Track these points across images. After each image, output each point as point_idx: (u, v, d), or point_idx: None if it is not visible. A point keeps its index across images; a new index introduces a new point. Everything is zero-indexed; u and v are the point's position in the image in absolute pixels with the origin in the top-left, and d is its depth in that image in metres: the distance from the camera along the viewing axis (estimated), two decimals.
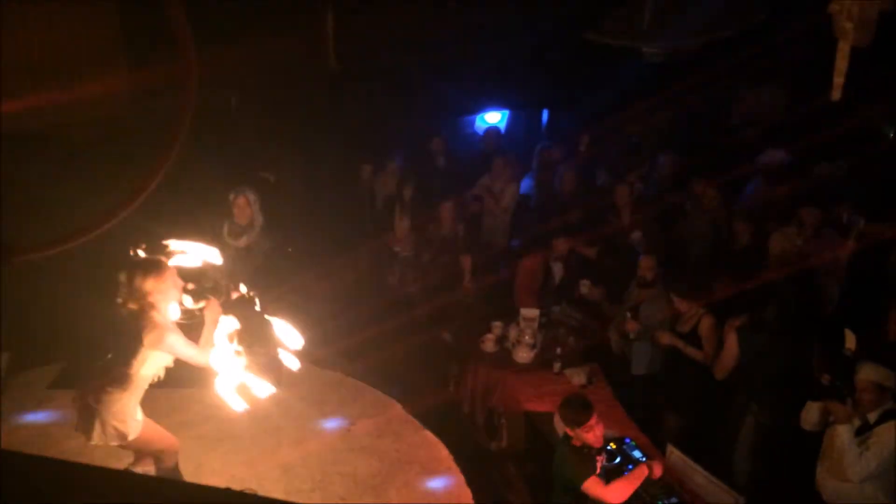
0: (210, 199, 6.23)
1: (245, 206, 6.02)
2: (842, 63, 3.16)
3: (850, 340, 4.28)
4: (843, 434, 4.03)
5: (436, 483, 4.88)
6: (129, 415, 4.05)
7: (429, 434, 5.34)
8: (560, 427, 4.42)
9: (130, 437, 4.07)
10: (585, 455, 4.20)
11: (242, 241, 6.05)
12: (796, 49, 6.43)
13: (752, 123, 8.00)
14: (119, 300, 3.92)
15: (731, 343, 4.96)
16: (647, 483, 4.52)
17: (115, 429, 4.01)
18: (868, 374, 4.00)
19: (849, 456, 3.98)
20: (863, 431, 4.01)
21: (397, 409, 5.65)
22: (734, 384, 5.09)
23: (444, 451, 5.15)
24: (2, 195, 4.96)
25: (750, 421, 4.94)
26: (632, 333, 5.60)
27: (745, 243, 6.12)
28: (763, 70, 7.82)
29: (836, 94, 3.28)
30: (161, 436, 4.31)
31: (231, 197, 6.05)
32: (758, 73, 7.93)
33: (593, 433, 4.13)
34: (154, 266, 3.90)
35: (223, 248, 5.92)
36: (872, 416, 4.00)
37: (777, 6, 6.36)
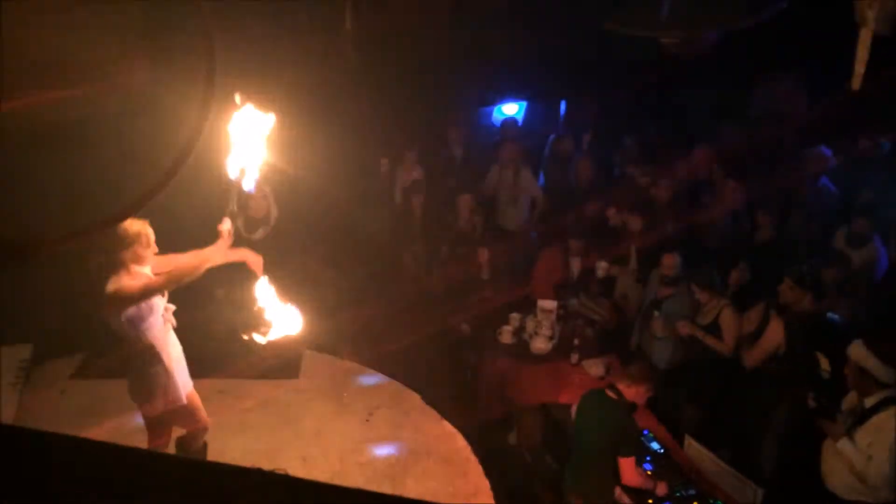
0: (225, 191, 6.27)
1: (261, 199, 6.05)
2: (863, 52, 3.13)
3: (824, 363, 4.32)
4: (844, 448, 3.88)
5: (453, 474, 4.91)
6: (170, 379, 4.17)
7: (447, 424, 5.36)
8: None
9: (182, 402, 4.23)
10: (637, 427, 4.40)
11: (258, 235, 6.08)
12: (817, 38, 6.35)
13: (771, 115, 7.92)
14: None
15: (776, 331, 4.88)
16: (665, 474, 4.53)
17: (165, 391, 4.16)
18: (860, 361, 3.87)
19: (860, 465, 3.82)
20: (863, 419, 3.86)
21: (416, 399, 5.68)
22: (759, 376, 5.06)
23: (461, 442, 5.18)
24: (24, 189, 5.04)
25: (781, 411, 4.90)
26: (659, 332, 5.57)
27: (768, 237, 6.04)
28: (783, 60, 7.73)
29: (856, 84, 3.24)
30: (201, 409, 4.49)
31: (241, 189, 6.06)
32: (777, 64, 7.84)
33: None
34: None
35: (238, 243, 5.99)
36: (870, 402, 3.86)
37: None
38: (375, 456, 5.05)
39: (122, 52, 5.62)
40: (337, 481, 4.20)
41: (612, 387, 4.34)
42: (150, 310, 4.01)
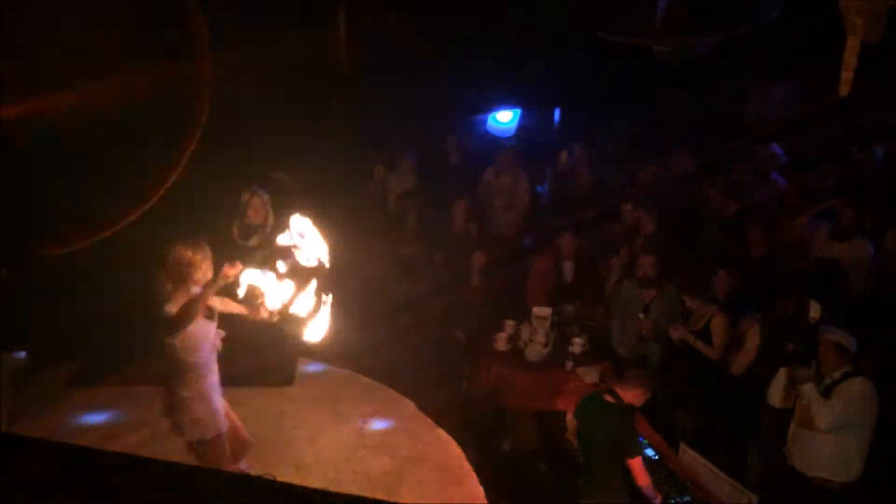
0: (222, 197, 6.28)
1: (260, 206, 6.06)
2: (851, 58, 3.17)
3: (815, 310, 4.66)
4: (809, 390, 4.34)
5: (448, 481, 4.90)
6: (207, 413, 4.08)
7: (441, 432, 5.36)
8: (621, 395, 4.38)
9: (209, 436, 4.11)
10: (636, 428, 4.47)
11: (253, 241, 6.08)
12: (808, 45, 6.41)
13: (763, 121, 7.97)
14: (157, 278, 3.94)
15: (753, 339, 5.05)
16: (660, 482, 4.53)
17: (196, 425, 4.07)
18: (832, 335, 4.37)
19: (815, 406, 4.28)
20: (829, 390, 4.32)
21: (410, 407, 5.68)
22: (747, 381, 5.08)
23: (456, 450, 5.17)
24: (19, 195, 5.02)
25: (767, 418, 4.94)
26: (645, 333, 5.59)
27: (762, 252, 6.02)
28: (775, 67, 7.79)
29: (843, 90, 3.28)
30: (223, 454, 4.26)
31: (246, 197, 6.07)
32: (769, 70, 7.90)
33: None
34: (197, 242, 3.98)
35: (233, 248, 5.99)
36: (836, 375, 4.33)
37: (789, 2, 6.33)
38: (370, 463, 5.04)
39: (116, 58, 5.63)
40: (331, 489, 4.20)
41: (611, 391, 4.35)
42: (205, 337, 4.01)
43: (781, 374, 4.72)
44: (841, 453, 4.32)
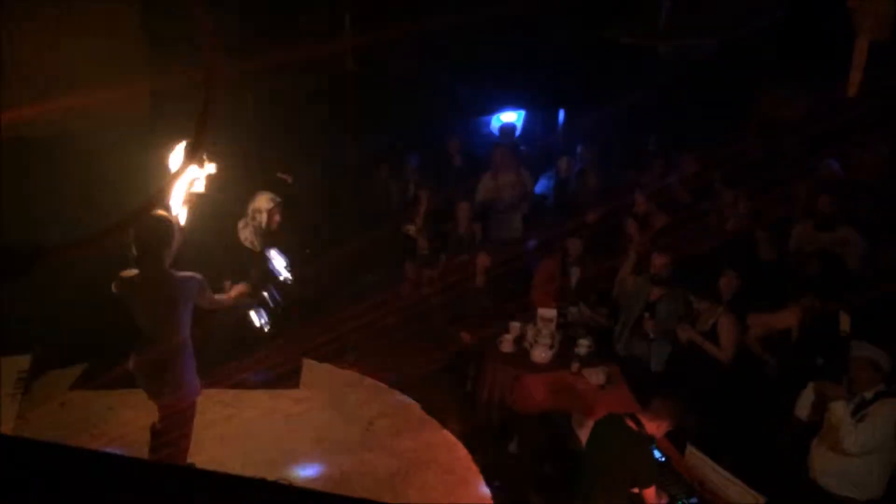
0: (228, 200, 6.27)
1: (277, 213, 6.04)
2: (859, 59, 3.14)
3: (845, 322, 4.46)
4: (839, 409, 4.16)
5: (455, 483, 4.89)
6: (187, 376, 4.34)
7: (447, 434, 5.36)
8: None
9: (184, 398, 4.33)
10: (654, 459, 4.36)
11: (258, 244, 6.07)
12: (815, 46, 6.39)
13: (771, 122, 7.94)
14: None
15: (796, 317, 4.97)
16: (667, 483, 4.51)
17: (178, 387, 4.30)
18: (863, 351, 4.18)
19: (845, 428, 4.11)
20: (860, 409, 4.15)
21: (416, 408, 5.68)
22: (757, 384, 5.06)
23: (462, 451, 5.17)
24: (25, 199, 5.03)
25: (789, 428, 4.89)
26: (651, 332, 5.59)
27: (769, 254, 5.99)
28: (782, 68, 7.76)
29: (852, 91, 3.26)
30: (191, 426, 4.47)
31: (269, 206, 6.04)
32: (776, 71, 7.87)
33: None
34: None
35: (239, 251, 5.99)
36: (868, 395, 4.15)
37: (796, 2, 6.31)
38: (376, 465, 5.03)
39: (122, 64, 5.64)
40: (338, 491, 4.19)
41: (634, 417, 4.21)
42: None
43: (809, 388, 4.53)
44: (865, 472, 4.18)
